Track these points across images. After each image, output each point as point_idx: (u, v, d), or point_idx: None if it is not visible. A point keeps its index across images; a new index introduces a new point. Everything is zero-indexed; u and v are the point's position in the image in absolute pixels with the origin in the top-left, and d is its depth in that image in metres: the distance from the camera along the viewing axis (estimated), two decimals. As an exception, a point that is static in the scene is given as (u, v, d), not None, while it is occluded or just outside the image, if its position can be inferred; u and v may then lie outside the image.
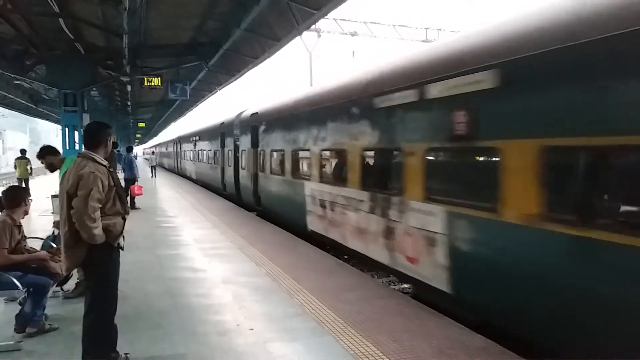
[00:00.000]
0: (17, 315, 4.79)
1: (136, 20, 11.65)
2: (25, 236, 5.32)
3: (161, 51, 15.87)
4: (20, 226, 5.00)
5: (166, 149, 51.55)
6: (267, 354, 4.37)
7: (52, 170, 5.82)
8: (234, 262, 7.94)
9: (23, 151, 19.64)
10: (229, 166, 18.08)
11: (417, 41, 25.33)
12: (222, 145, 19.33)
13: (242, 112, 16.58)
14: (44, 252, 5.06)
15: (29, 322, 4.73)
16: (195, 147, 27.62)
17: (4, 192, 5.13)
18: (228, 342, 4.63)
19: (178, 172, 38.15)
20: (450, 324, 5.08)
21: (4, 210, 4.98)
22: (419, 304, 5.74)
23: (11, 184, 16.29)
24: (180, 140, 36.92)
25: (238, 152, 16.59)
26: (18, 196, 5.09)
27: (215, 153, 21.31)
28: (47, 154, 5.84)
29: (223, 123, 19.83)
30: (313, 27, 21.15)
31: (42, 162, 5.88)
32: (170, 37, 14.80)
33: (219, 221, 12.36)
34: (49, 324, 4.87)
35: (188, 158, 31.52)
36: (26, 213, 5.30)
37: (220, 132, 19.85)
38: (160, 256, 8.42)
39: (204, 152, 24.44)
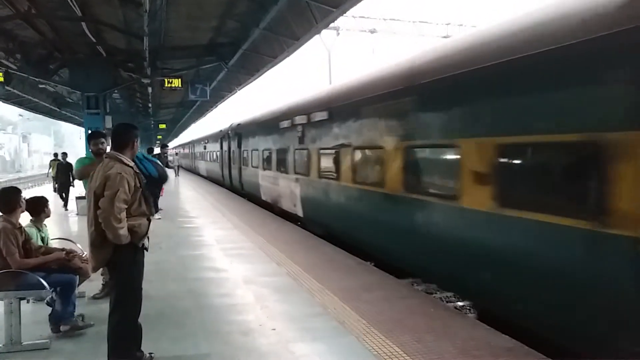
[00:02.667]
0: (50, 316, 4.86)
1: (156, 22, 11.80)
2: (47, 237, 5.47)
3: (181, 52, 16.06)
4: (20, 228, 4.84)
5: (204, 148, 33.36)
6: (290, 353, 4.37)
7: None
8: (255, 262, 7.97)
9: (55, 154, 21.29)
10: None
11: (437, 37, 25.10)
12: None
13: None
14: (58, 253, 5.06)
15: (62, 320, 4.78)
16: (303, 141, 11.33)
17: None
18: (251, 342, 4.63)
19: (231, 186, 22.02)
20: (475, 325, 5.00)
21: (2, 215, 4.80)
22: (443, 304, 5.68)
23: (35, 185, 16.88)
24: (238, 132, 19.74)
25: None
26: (11, 200, 4.86)
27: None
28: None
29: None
30: (332, 25, 21.13)
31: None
32: (189, 39, 14.95)
33: (239, 221, 12.42)
34: (83, 322, 4.92)
35: (267, 165, 14.86)
36: (47, 216, 5.42)
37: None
38: (183, 257, 8.50)
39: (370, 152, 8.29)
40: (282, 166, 13.09)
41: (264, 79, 20.12)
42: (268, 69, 17.60)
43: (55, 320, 4.82)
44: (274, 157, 13.94)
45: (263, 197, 15.66)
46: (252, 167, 16.97)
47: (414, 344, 4.47)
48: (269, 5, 11.46)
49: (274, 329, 4.94)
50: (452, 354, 4.27)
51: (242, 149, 18.96)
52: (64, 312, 4.80)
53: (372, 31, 26.04)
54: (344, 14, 12.22)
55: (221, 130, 24.87)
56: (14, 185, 5.79)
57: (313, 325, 5.05)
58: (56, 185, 19.76)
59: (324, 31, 19.37)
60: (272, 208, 14.50)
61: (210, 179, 30.15)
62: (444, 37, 24.70)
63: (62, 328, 4.76)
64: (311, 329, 4.95)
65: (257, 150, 16.23)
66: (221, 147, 24.62)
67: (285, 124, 12.56)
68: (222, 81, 21.93)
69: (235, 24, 13.70)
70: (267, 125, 14.95)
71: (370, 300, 5.77)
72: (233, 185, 21.48)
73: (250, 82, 21.06)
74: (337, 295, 5.97)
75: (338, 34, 26.26)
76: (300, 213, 11.76)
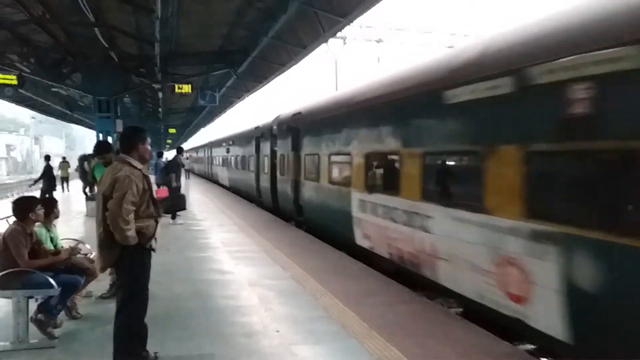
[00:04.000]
0: (39, 305, 4.79)
1: (168, 29, 11.98)
2: (57, 238, 5.60)
3: (191, 59, 16.27)
4: (30, 234, 4.93)
5: (227, 152, 26.00)
6: (293, 356, 4.43)
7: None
8: (260, 265, 8.05)
9: (64, 158, 22.66)
10: None
11: (443, 47, 25.17)
12: None
13: None
14: (64, 252, 5.17)
15: (47, 312, 4.76)
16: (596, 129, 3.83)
17: (12, 204, 5.07)
18: (254, 344, 4.70)
19: (275, 207, 15.10)
20: (476, 331, 5.03)
21: (15, 221, 4.93)
22: (444, 310, 5.72)
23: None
24: (294, 127, 12.74)
25: None
26: (26, 208, 4.96)
27: None
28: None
29: None
30: (339, 34, 21.28)
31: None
32: (200, 45, 15.16)
33: (245, 224, 12.51)
34: (56, 327, 4.85)
35: (385, 183, 7.87)
36: (57, 216, 5.67)
37: None
38: (190, 258, 8.60)
39: None
40: (447, 193, 6.24)
41: (272, 83, 20.29)
42: (276, 76, 17.81)
43: (42, 307, 4.75)
44: (411, 169, 6.79)
45: (361, 242, 8.57)
46: (335, 184, 9.89)
47: (415, 348, 4.52)
48: (278, 15, 11.61)
49: (278, 331, 5.00)
50: (453, 358, 4.32)
51: (304, 152, 12.02)
52: (54, 308, 4.80)
53: (378, 40, 26.17)
54: (351, 24, 12.36)
55: (257, 127, 18.08)
56: (32, 195, 5.98)
57: (316, 328, 5.11)
58: (64, 185, 21.55)
59: (330, 40, 19.55)
60: (376, 262, 7.97)
61: (236, 191, 23.11)
62: (449, 46, 24.77)
63: (39, 316, 4.71)
64: (314, 332, 5.01)
65: (346, 154, 9.17)
66: (257, 150, 17.78)
67: (471, 92, 5.42)
68: (231, 87, 22.15)
69: (244, 32, 13.87)
70: (382, 109, 7.83)
71: (373, 305, 5.83)
72: (280, 206, 14.61)
73: (259, 88, 21.29)
74: (340, 299, 6.02)
75: (345, 42, 26.40)
76: (544, 327, 4.35)
